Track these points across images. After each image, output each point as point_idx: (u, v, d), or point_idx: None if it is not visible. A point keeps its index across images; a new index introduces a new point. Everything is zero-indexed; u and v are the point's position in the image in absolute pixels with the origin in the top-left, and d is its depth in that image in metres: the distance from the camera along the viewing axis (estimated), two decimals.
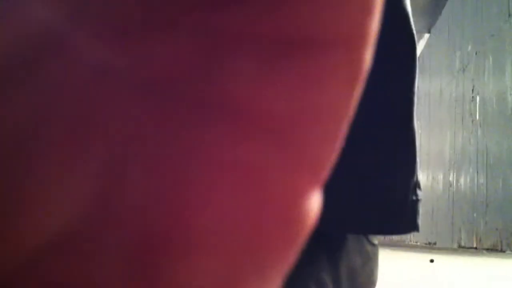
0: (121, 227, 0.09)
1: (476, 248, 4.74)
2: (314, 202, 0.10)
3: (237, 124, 0.09)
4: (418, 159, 0.54)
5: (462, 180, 5.38)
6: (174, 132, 0.09)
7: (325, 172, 0.10)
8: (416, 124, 0.53)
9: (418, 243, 6.78)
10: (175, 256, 0.09)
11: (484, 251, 4.28)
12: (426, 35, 7.21)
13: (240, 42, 0.09)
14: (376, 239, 0.58)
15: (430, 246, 5.94)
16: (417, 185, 0.54)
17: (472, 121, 5.10)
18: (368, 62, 0.10)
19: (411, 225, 0.53)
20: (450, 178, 5.80)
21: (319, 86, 0.09)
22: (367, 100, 0.52)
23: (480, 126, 4.86)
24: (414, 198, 0.53)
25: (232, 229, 0.09)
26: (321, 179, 0.10)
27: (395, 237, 8.20)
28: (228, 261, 0.09)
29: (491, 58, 4.69)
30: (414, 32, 0.52)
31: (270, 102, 0.09)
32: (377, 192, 0.52)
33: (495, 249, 4.27)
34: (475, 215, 4.88)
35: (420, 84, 7.28)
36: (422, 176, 6.87)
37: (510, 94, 4.19)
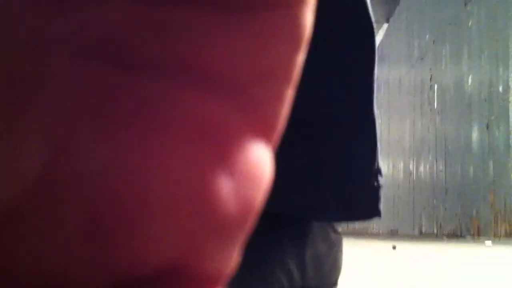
0: (72, 195, 0.09)
1: (436, 234, 4.84)
2: (265, 159, 0.10)
3: (184, 82, 0.09)
4: (378, 146, 0.54)
5: (421, 168, 5.48)
6: (124, 95, 0.09)
7: (273, 130, 0.10)
8: (377, 112, 0.54)
9: (381, 231, 6.89)
10: (131, 222, 0.09)
11: (444, 237, 4.37)
12: (385, 25, 7.30)
13: (184, 3, 0.09)
14: (340, 227, 0.58)
15: (392, 234, 6.05)
16: (378, 171, 0.54)
17: (431, 110, 5.19)
18: (309, 24, 0.10)
19: (372, 211, 0.53)
20: (410, 166, 5.90)
21: (262, 47, 0.10)
22: (327, 87, 0.52)
23: (438, 114, 4.96)
24: (375, 184, 0.53)
25: (189, 189, 0.09)
26: (269, 137, 0.10)
27: (358, 226, 8.31)
28: (186, 225, 0.09)
29: (448, 47, 4.78)
30: (373, 20, 0.53)
31: (216, 61, 0.10)
32: (338, 178, 0.52)
33: (455, 235, 4.36)
34: (435, 201, 4.98)
35: (379, 73, 7.38)
36: (383, 165, 6.96)
37: (467, 82, 4.28)
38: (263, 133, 0.10)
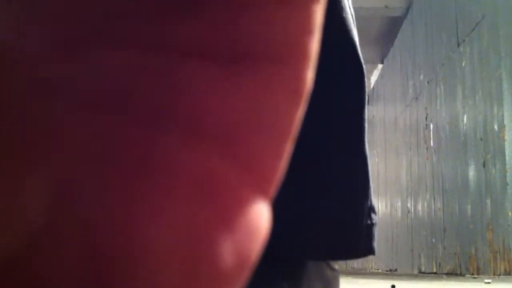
0: (72, 244, 0.09)
1: (436, 273, 4.79)
2: (263, 214, 0.10)
3: (186, 135, 0.10)
4: (371, 184, 0.55)
5: (419, 206, 5.46)
6: (124, 144, 0.09)
7: (272, 185, 0.11)
8: (374, 152, 0.54)
9: (380, 270, 6.81)
10: (130, 270, 0.09)
11: (444, 276, 4.32)
12: (380, 66, 7.36)
13: (188, 56, 0.09)
14: (336, 265, 0.58)
15: (392, 273, 5.97)
16: (371, 209, 0.54)
17: (427, 148, 5.20)
18: (310, 80, 0.10)
19: (366, 249, 0.53)
20: (408, 205, 5.87)
21: (262, 100, 0.10)
22: (318, 128, 0.53)
23: (435, 153, 4.96)
24: (369, 222, 0.54)
25: (184, 240, 0.09)
26: (268, 191, 0.11)
27: (357, 265, 8.20)
28: (184, 276, 0.09)
29: (442, 86, 4.82)
30: (362, 61, 0.54)
31: (217, 113, 0.10)
32: (332, 217, 0.53)
33: (454, 273, 4.32)
34: (433, 240, 4.94)
35: (376, 113, 7.41)
36: (381, 204, 6.93)
37: (462, 121, 4.30)
38: (262, 186, 0.10)
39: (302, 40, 0.10)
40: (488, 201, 3.81)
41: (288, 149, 0.11)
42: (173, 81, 0.09)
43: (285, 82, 0.10)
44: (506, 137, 3.57)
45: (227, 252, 0.10)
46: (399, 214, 6.20)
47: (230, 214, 0.10)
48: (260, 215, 0.10)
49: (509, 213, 3.51)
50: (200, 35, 0.09)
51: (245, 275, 0.10)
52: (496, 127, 3.71)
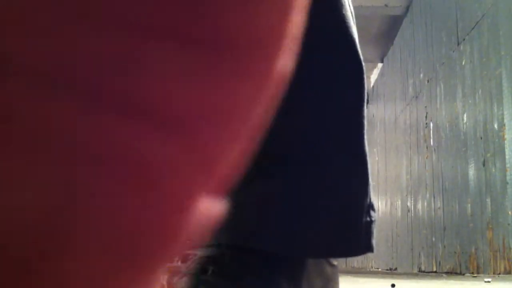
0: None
1: (436, 272, 4.80)
2: (213, 203, 0.10)
3: (142, 118, 0.09)
4: (370, 182, 0.55)
5: (419, 205, 5.47)
6: (76, 127, 0.09)
7: (224, 176, 0.10)
8: (374, 150, 0.54)
9: (380, 269, 6.82)
10: (51, 253, 0.09)
11: (444, 275, 4.33)
12: (379, 64, 7.37)
13: (153, 39, 0.09)
14: (336, 261, 0.58)
15: (391, 272, 5.98)
16: (370, 206, 0.54)
17: (427, 147, 5.21)
18: (285, 65, 0.10)
19: (365, 247, 0.53)
20: (408, 204, 5.88)
21: (228, 85, 0.10)
22: (318, 126, 0.54)
23: (435, 152, 4.97)
24: (368, 219, 0.54)
25: (117, 227, 0.10)
26: (219, 183, 0.10)
27: (357, 264, 8.22)
28: (121, 256, 0.10)
29: (442, 85, 4.83)
30: (362, 59, 0.54)
31: (174, 100, 0.09)
32: (331, 216, 0.53)
33: (454, 272, 4.32)
34: (433, 239, 4.95)
35: (376, 111, 7.42)
36: (381, 203, 6.94)
37: (462, 120, 4.31)
38: (216, 173, 0.10)
39: (277, 24, 0.09)
40: (488, 200, 3.82)
41: (254, 136, 0.10)
42: (133, 65, 0.09)
43: (254, 66, 0.09)
44: (506, 136, 3.57)
45: (162, 241, 0.10)
46: (399, 213, 6.20)
47: (181, 200, 0.10)
48: (210, 204, 0.10)
49: (509, 212, 3.51)
50: (165, 17, 0.09)
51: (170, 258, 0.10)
52: (496, 126, 3.72)
